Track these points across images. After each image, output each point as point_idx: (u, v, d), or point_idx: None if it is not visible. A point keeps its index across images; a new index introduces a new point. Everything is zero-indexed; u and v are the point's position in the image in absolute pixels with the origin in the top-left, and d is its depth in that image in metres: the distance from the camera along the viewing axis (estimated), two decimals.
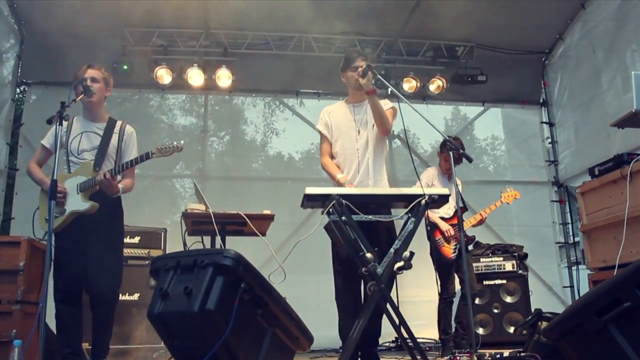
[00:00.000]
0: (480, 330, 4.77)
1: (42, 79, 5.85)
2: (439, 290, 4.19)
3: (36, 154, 3.16)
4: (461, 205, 3.63)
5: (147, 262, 4.37)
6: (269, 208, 3.46)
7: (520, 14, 5.69)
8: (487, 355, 3.44)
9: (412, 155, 3.49)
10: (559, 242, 6.43)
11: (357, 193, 2.80)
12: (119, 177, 3.00)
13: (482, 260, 4.94)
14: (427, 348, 4.63)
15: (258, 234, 3.20)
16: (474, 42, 6.19)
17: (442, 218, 4.29)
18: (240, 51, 5.99)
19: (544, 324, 3.02)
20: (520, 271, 4.87)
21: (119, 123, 3.15)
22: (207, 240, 3.57)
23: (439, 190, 2.89)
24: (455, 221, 4.27)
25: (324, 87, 6.34)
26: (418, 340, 2.83)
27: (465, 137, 6.07)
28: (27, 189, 5.09)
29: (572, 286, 6.16)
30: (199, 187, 3.48)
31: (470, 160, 2.95)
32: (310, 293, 4.86)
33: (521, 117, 6.87)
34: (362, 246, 2.64)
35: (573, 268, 6.21)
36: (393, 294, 2.96)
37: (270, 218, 3.37)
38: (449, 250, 4.20)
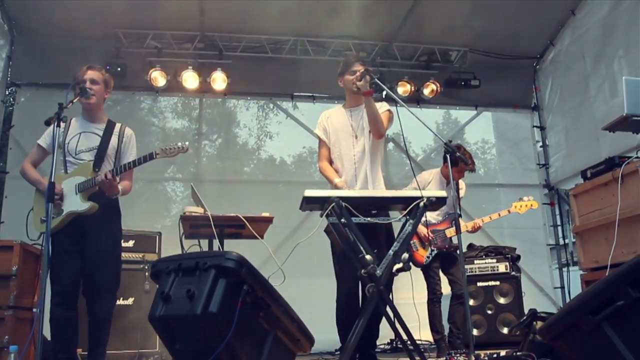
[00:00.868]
0: (474, 331, 4.80)
1: (33, 80, 5.77)
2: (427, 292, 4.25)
3: (31, 154, 3.12)
4: (458, 211, 3.63)
5: (141, 266, 4.33)
6: (262, 211, 3.47)
7: (513, 20, 5.79)
8: (483, 355, 3.48)
9: (409, 158, 3.52)
10: (550, 244, 6.52)
11: (356, 195, 2.82)
12: (117, 178, 2.98)
13: (475, 262, 4.98)
14: (422, 350, 4.65)
15: (257, 236, 3.20)
16: (467, 47, 6.28)
17: (431, 223, 4.29)
18: (236, 54, 5.99)
19: (539, 324, 3.06)
20: (513, 273, 4.92)
21: (118, 125, 3.13)
22: (203, 243, 3.56)
23: (437, 192, 2.91)
24: (442, 227, 4.28)
25: (319, 91, 6.38)
26: None
27: (455, 141, 6.13)
28: (17, 193, 5.04)
29: (563, 287, 6.27)
30: (196, 190, 3.46)
31: (466, 163, 2.98)
32: (305, 296, 4.84)
33: (513, 121, 6.96)
34: (362, 248, 2.65)
35: (564, 269, 6.30)
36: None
37: (269, 221, 3.37)
38: (423, 255, 4.23)
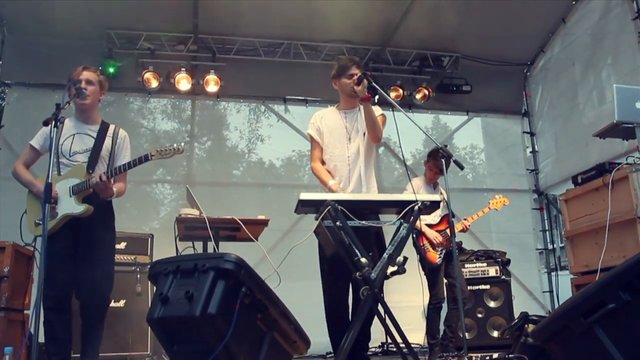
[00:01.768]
0: (465, 335, 4.85)
1: (23, 80, 5.69)
2: (430, 296, 4.24)
3: (23, 155, 3.07)
4: (451, 211, 3.69)
5: (133, 268, 4.30)
6: (252, 213, 3.46)
7: (504, 26, 5.87)
8: (475, 358, 3.52)
9: (400, 162, 3.54)
10: (539, 249, 6.60)
11: (351, 199, 2.83)
12: (112, 180, 2.96)
13: (466, 266, 5.04)
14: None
15: (253, 238, 3.20)
16: (459, 53, 6.36)
17: (429, 225, 4.35)
18: (229, 56, 5.99)
19: (531, 327, 3.11)
20: (503, 277, 4.98)
21: (112, 126, 3.10)
22: (198, 245, 3.55)
23: (431, 196, 2.94)
24: (440, 227, 4.35)
25: (311, 94, 6.38)
26: None
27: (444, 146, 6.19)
28: (8, 193, 4.95)
29: (551, 291, 6.33)
30: (192, 192, 3.45)
31: (461, 167, 3.01)
32: (298, 298, 4.83)
33: (503, 127, 7.04)
34: (357, 251, 2.66)
35: (552, 274, 6.38)
36: None
37: (264, 223, 3.37)
38: (434, 255, 4.26)
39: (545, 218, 6.69)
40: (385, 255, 2.75)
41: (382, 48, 6.27)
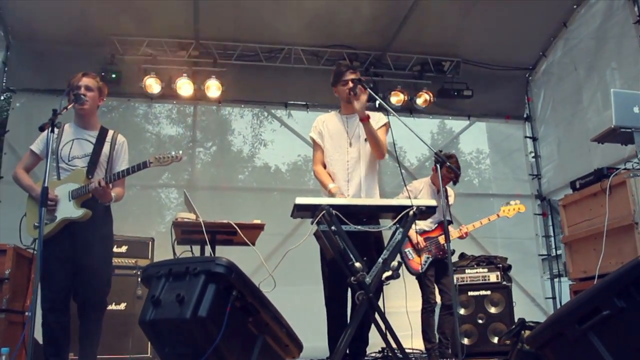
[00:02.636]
0: (465, 341, 4.82)
1: (28, 86, 5.78)
2: (422, 301, 4.25)
3: (24, 160, 3.12)
4: (448, 218, 3.66)
5: (134, 271, 4.34)
6: (255, 218, 3.47)
7: (506, 31, 5.87)
8: None
9: (401, 168, 3.54)
10: (541, 255, 6.55)
11: (346, 203, 2.84)
12: (110, 186, 3.00)
13: (467, 271, 5.01)
14: (413, 358, 4.65)
15: (249, 243, 3.21)
16: (461, 58, 6.36)
17: (424, 231, 4.34)
18: (230, 62, 6.04)
19: (527, 333, 3.09)
20: (504, 282, 4.94)
21: (110, 132, 3.14)
22: (195, 249, 3.57)
23: (427, 201, 2.95)
24: (435, 234, 4.32)
25: (313, 99, 6.42)
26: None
27: (450, 151, 6.18)
28: (11, 197, 5.02)
29: (554, 297, 6.28)
30: (189, 197, 3.48)
31: (456, 173, 3.01)
32: (295, 303, 4.85)
33: (505, 132, 7.02)
34: (351, 256, 2.67)
35: (555, 280, 6.32)
36: (380, 305, 3.01)
37: (260, 227, 3.39)
38: (417, 264, 4.25)
39: (550, 224, 6.64)
40: (380, 260, 2.76)
41: (383, 53, 6.30)
